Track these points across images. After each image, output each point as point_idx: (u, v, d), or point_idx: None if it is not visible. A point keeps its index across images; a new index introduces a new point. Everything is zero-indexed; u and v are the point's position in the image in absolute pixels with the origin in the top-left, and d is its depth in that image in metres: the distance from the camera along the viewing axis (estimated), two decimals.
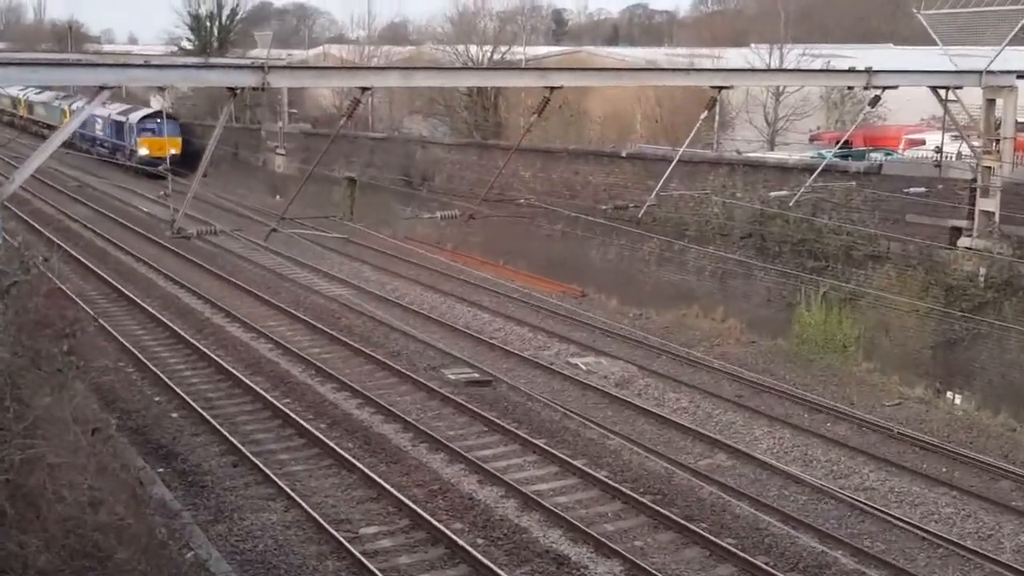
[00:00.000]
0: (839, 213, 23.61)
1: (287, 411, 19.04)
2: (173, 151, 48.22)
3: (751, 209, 25.37)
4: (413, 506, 15.04)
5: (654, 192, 23.92)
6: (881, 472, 17.01)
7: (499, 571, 13.19)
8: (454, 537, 14.10)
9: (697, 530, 14.58)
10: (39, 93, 67.93)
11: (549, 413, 19.61)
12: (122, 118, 53.34)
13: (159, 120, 51.20)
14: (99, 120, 56.14)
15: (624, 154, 30.40)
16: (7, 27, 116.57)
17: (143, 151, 50.49)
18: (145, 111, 53.04)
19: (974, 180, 21.00)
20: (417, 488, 16.07)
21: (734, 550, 13.97)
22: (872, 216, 22.90)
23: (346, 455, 16.98)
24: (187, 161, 50.00)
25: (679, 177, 27.06)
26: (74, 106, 54.29)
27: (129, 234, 37.60)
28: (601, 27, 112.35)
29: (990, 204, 20.49)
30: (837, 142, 28.39)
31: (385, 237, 31.73)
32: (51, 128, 56.74)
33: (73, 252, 32.72)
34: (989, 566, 13.63)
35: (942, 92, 19.85)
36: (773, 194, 24.28)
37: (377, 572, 13.09)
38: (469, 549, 13.75)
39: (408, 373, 21.69)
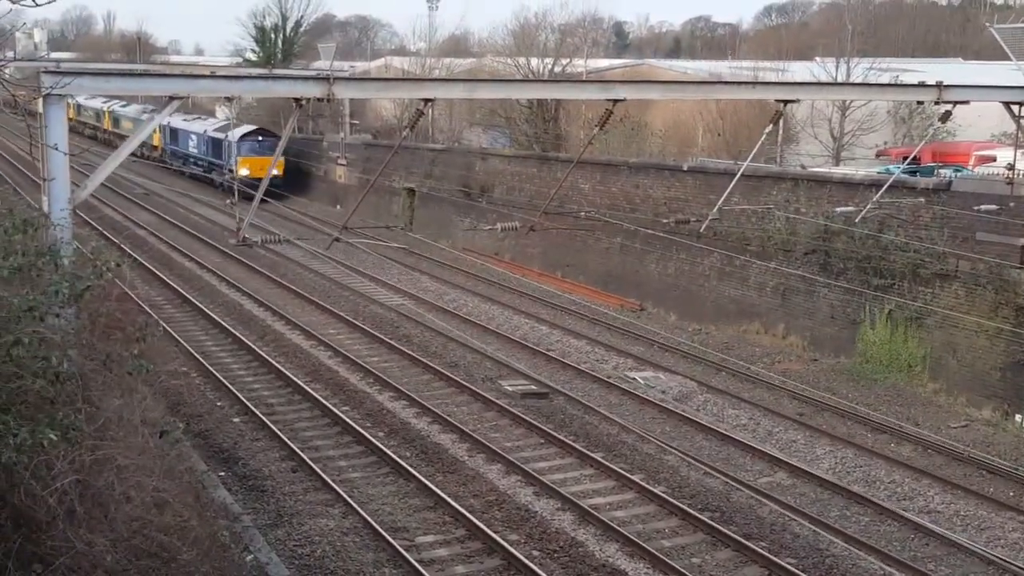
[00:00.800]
0: (906, 230, 23.24)
1: (346, 418, 19.27)
2: (276, 172, 45.08)
3: (815, 224, 25.10)
4: (470, 516, 15.12)
5: (716, 206, 23.82)
6: (946, 495, 16.69)
7: None
8: (510, 548, 14.14)
9: (756, 548, 14.43)
10: (125, 106, 66.72)
11: (606, 427, 19.58)
12: (220, 135, 50.15)
13: (261, 138, 48.25)
14: (193, 136, 54.46)
15: (685, 168, 30.28)
16: (77, 38, 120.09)
17: (244, 171, 45.79)
18: (246, 128, 49.81)
19: None
20: (474, 498, 16.15)
21: (794, 570, 13.79)
22: (941, 233, 22.51)
23: (403, 463, 17.12)
24: (291, 183, 49.00)
25: (741, 192, 26.88)
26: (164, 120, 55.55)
27: (195, 242, 38.41)
28: (662, 40, 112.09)
29: None
30: (905, 158, 27.98)
31: (444, 248, 32.02)
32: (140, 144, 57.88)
33: (140, 258, 33.56)
34: None
35: (1015, 108, 19.48)
36: (839, 210, 23.99)
37: None
38: (525, 561, 13.78)
39: (466, 384, 21.82)
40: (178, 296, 29.38)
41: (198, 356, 23.04)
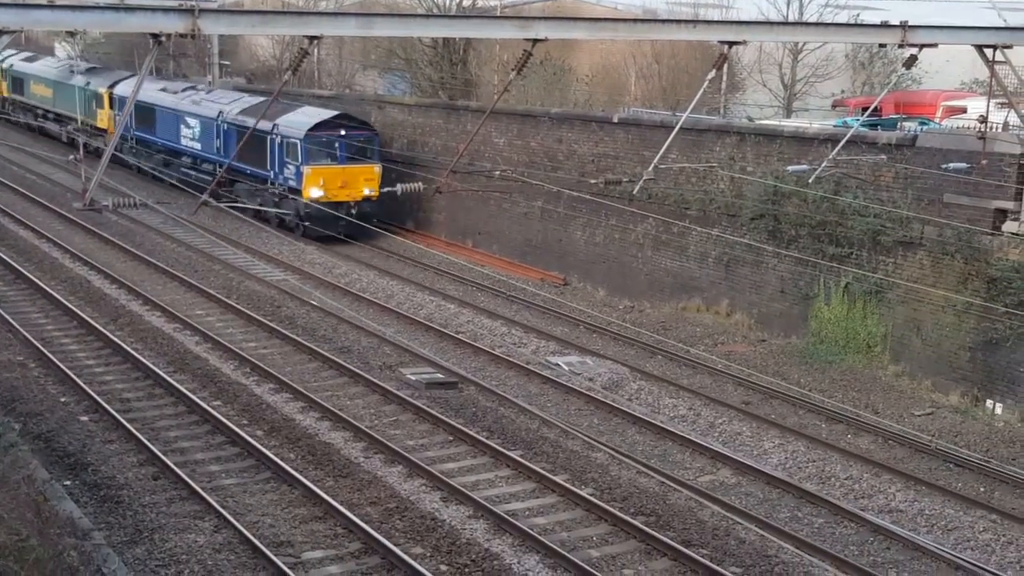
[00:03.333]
0: (866, 192, 23.88)
1: (217, 415, 19.06)
2: (368, 191, 33.43)
3: (764, 185, 25.60)
4: (366, 527, 15.13)
5: (651, 164, 24.10)
6: (909, 492, 17.30)
7: None
8: (413, 563, 14.22)
9: (696, 557, 14.77)
10: (31, 60, 55.68)
11: (525, 420, 19.76)
12: (267, 125, 33.24)
13: (344, 132, 33.53)
14: (191, 120, 38.86)
15: (616, 119, 30.54)
16: None
17: (315, 191, 32.76)
18: (316, 114, 34.64)
19: (1023, 155, 21.31)
20: (371, 506, 16.17)
21: None
22: (904, 196, 23.19)
23: (287, 467, 17.03)
24: (390, 210, 34.81)
25: (680, 148, 27.29)
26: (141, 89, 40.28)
27: (33, 206, 37.33)
28: None
29: None
30: (865, 109, 28.69)
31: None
32: (63, 122, 49.19)
33: None
34: None
35: (988, 52, 20.09)
36: (790, 168, 24.50)
37: None
38: None
39: (360, 373, 21.76)
40: (11, 271, 28.57)
41: (36, 343, 22.49)
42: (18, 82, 55.73)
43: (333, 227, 31.27)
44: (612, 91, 39.74)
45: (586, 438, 18.35)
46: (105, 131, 44.57)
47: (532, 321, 26.30)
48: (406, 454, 17.79)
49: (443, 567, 14.52)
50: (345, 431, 18.91)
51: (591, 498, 16.61)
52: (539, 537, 15.16)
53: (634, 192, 24.66)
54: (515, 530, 15.43)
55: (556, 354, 23.84)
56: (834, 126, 28.50)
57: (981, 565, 14.78)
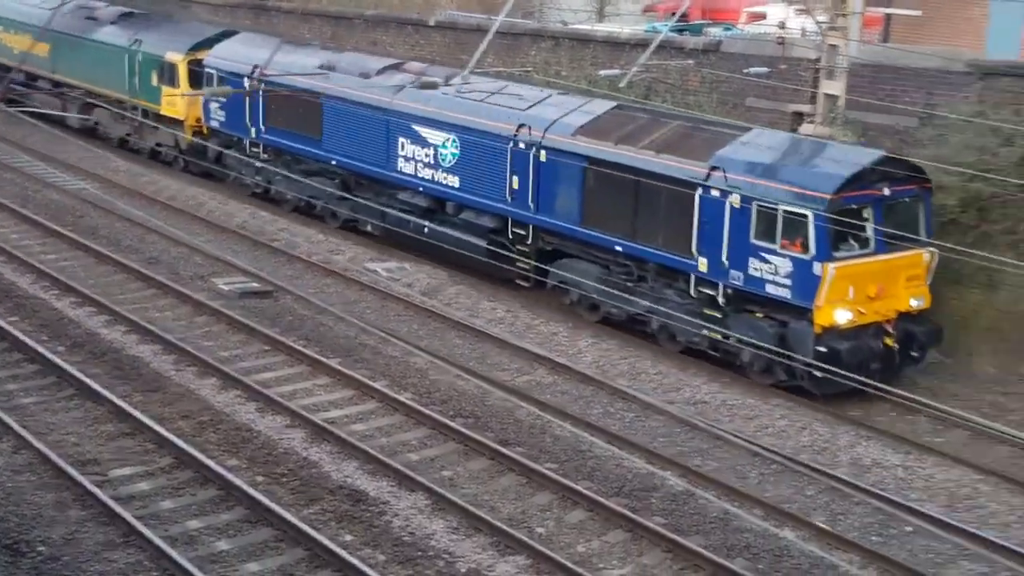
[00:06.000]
0: (674, 96, 24.16)
1: (14, 331, 18.01)
2: (916, 302, 17.69)
3: (578, 90, 25.58)
4: (178, 441, 14.65)
5: (467, 68, 23.76)
6: (713, 384, 17.87)
7: (282, 511, 13.07)
8: (228, 476, 13.85)
9: (513, 455, 14.91)
10: None
11: (343, 328, 19.44)
12: (693, 168, 18.08)
13: (887, 190, 17.28)
14: (462, 137, 21.67)
15: (432, 22, 29.95)
16: None
17: (841, 313, 16.85)
18: (847, 155, 17.91)
19: (818, 60, 21.88)
20: (183, 420, 15.66)
21: (554, 476, 14.38)
22: (710, 99, 23.57)
23: (92, 383, 16.27)
24: None
25: (496, 51, 26.97)
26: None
27: None
28: None
29: (835, 87, 21.39)
30: (673, 14, 28.93)
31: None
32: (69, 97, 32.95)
33: None
34: (824, 480, 14.62)
35: None
36: (602, 73, 24.53)
37: (131, 519, 12.69)
38: (246, 488, 13.54)
39: (170, 284, 20.93)
40: None
41: None
42: None
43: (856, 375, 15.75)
44: None
45: (405, 344, 18.19)
46: (181, 123, 29.14)
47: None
48: (219, 365, 17.27)
49: (259, 478, 14.21)
50: (154, 344, 18.18)
51: (410, 403, 16.52)
52: (357, 443, 15.00)
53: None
54: (333, 438, 15.23)
55: (374, 261, 23.46)
56: (644, 31, 28.66)
57: (776, 450, 15.42)
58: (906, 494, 14.56)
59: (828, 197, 16.58)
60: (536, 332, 19.94)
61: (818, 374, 16.46)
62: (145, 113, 29.99)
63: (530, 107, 21.05)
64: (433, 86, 21.82)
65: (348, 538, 12.90)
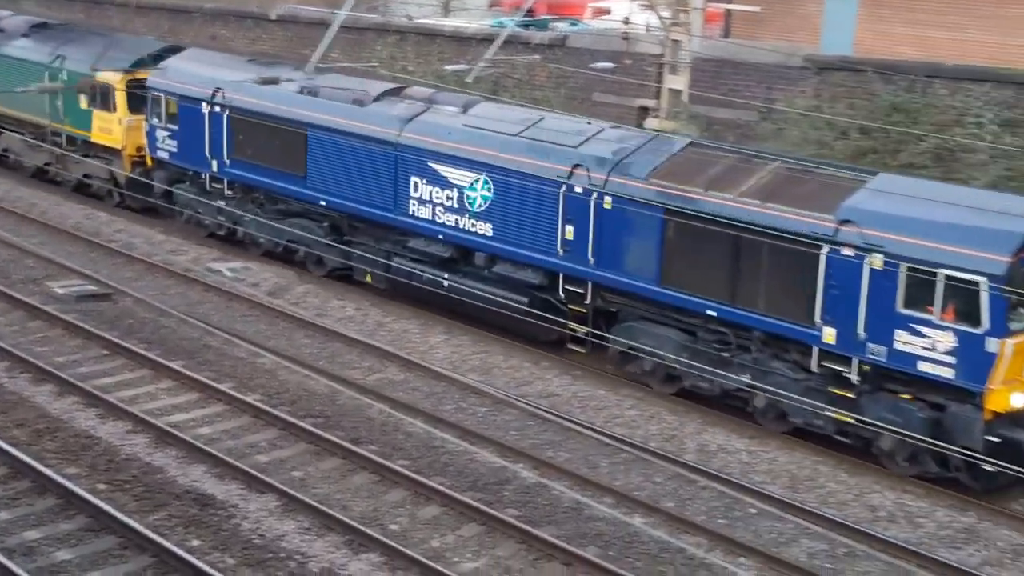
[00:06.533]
0: (522, 91, 24.55)
1: None
2: None
3: (425, 85, 25.74)
4: (11, 450, 14.20)
5: (310, 63, 23.65)
6: (565, 377, 18.27)
7: (126, 519, 12.83)
8: (67, 484, 13.51)
9: (365, 453, 14.97)
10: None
11: (187, 330, 19.13)
12: (819, 222, 15.51)
13: None
14: (500, 180, 19.04)
15: (274, 16, 29.68)
16: None
17: (1019, 397, 14.55)
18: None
19: (662, 55, 22.59)
20: (17, 429, 15.19)
21: (407, 472, 14.50)
22: (557, 94, 24.05)
23: None
24: None
25: (341, 46, 26.91)
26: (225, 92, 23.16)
27: None
28: None
29: (678, 82, 22.17)
30: (519, 9, 29.39)
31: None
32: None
33: None
34: (672, 468, 15.15)
35: None
36: (450, 68, 24.80)
37: None
38: (87, 496, 13.24)
39: (0, 288, 20.22)
40: None
41: None
42: None
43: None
44: None
45: (252, 345, 18.03)
46: (118, 152, 26.12)
47: (190, 228, 25.26)
48: (55, 371, 16.80)
49: (101, 485, 13.89)
50: None
51: (259, 404, 16.40)
52: (204, 447, 14.82)
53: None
54: (178, 442, 15.00)
55: (218, 260, 23.13)
56: (491, 26, 29.02)
57: (626, 438, 15.90)
58: (750, 477, 15.21)
59: (1007, 260, 13.96)
60: (387, 330, 20.01)
61: (988, 468, 14.10)
62: (72, 140, 26.91)
63: (583, 143, 18.29)
64: (274, 81, 21.51)
65: (196, 543, 12.76)
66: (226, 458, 14.55)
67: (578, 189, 17.81)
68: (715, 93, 22.35)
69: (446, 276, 19.71)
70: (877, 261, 14.73)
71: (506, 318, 18.88)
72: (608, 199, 17.47)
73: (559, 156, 18.20)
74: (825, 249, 15.19)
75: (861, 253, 14.90)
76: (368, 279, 21.29)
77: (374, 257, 20.73)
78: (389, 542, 12.76)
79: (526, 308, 18.58)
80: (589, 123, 19.20)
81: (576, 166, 17.91)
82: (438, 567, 12.31)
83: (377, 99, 21.14)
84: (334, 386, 17.02)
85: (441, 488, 14.18)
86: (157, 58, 25.64)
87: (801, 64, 22.77)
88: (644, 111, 22.83)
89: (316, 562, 12.53)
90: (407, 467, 14.81)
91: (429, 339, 19.63)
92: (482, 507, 13.74)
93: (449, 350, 19.20)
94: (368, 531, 12.98)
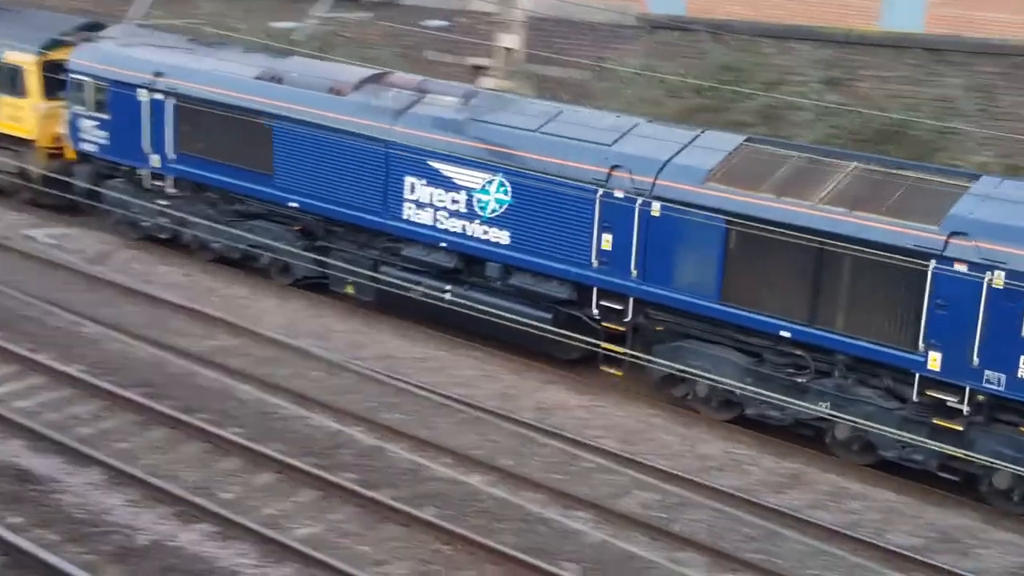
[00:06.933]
0: (353, 49, 24.24)
1: None
2: None
3: (254, 45, 25.17)
4: None
5: (131, 18, 22.82)
6: (403, 340, 18.27)
7: None
8: None
9: (195, 423, 14.68)
10: None
11: (2, 300, 18.34)
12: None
13: None
14: (537, 187, 16.92)
15: None
16: None
17: None
18: None
19: (496, 13, 22.63)
20: None
21: (240, 440, 14.29)
22: (390, 52, 23.84)
23: None
24: None
25: (165, 3, 26.03)
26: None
27: None
28: None
29: (512, 40, 22.25)
30: None
31: None
32: None
33: None
34: (510, 426, 15.34)
35: None
36: (279, 25, 24.31)
37: None
38: None
39: None
40: None
41: None
42: None
43: None
44: None
45: (73, 314, 17.41)
46: (30, 143, 23.05)
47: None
48: None
49: None
50: None
51: (81, 375, 15.86)
52: (22, 421, 14.27)
53: None
54: None
55: (35, 227, 22.22)
56: None
57: (467, 400, 16.03)
58: (586, 432, 15.53)
59: None
60: (218, 295, 19.62)
61: None
62: None
63: (618, 140, 16.33)
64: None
65: (16, 520, 12.29)
66: (46, 431, 14.06)
67: (618, 194, 15.92)
68: (549, 52, 22.57)
69: (448, 288, 17.74)
70: (998, 280, 13.18)
71: (522, 334, 16.94)
72: (656, 205, 15.60)
73: (592, 155, 16.23)
74: (932, 265, 13.63)
75: (978, 270, 13.34)
76: (348, 290, 19.02)
77: (355, 268, 18.53)
78: (221, 511, 12.56)
79: (550, 324, 16.73)
80: (618, 116, 17.31)
81: (615, 167, 16.03)
82: (270, 533, 12.19)
83: (357, 87, 18.72)
84: (162, 354, 16.62)
85: (275, 455, 14.02)
86: (81, 36, 22.48)
87: (634, 23, 23.18)
88: (478, 69, 22.87)
89: (145, 535, 12.24)
90: (240, 435, 14.57)
91: (262, 303, 19.34)
92: (318, 472, 13.65)
93: (284, 316, 18.95)
94: (199, 501, 12.74)
